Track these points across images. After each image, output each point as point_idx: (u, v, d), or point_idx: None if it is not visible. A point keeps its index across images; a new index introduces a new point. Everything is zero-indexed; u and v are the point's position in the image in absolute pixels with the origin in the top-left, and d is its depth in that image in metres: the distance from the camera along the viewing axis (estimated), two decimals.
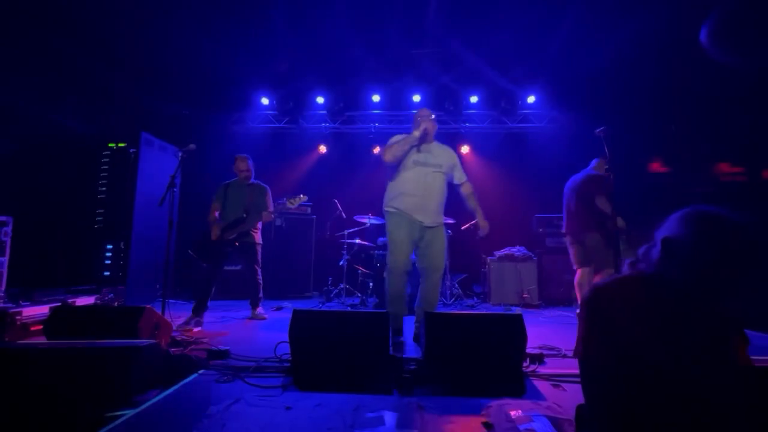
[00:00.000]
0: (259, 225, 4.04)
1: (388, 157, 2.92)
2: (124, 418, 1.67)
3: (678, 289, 0.95)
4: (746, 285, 0.89)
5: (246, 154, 4.13)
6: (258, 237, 4.02)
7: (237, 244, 3.84)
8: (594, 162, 3.97)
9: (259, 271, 4.04)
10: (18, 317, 2.96)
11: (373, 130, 6.84)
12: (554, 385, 2.13)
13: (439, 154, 3.06)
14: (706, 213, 0.97)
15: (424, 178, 2.91)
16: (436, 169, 2.96)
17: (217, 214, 3.93)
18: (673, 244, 0.98)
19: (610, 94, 5.86)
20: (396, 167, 2.98)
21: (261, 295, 4.13)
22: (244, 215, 3.85)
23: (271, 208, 4.04)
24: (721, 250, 0.91)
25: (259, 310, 4.12)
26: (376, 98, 6.51)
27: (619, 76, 5.52)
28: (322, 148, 6.90)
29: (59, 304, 3.28)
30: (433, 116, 3.06)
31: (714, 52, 4.06)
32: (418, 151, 2.95)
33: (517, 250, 5.37)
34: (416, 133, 2.92)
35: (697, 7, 4.14)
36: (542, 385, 2.13)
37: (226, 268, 5.67)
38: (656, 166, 5.96)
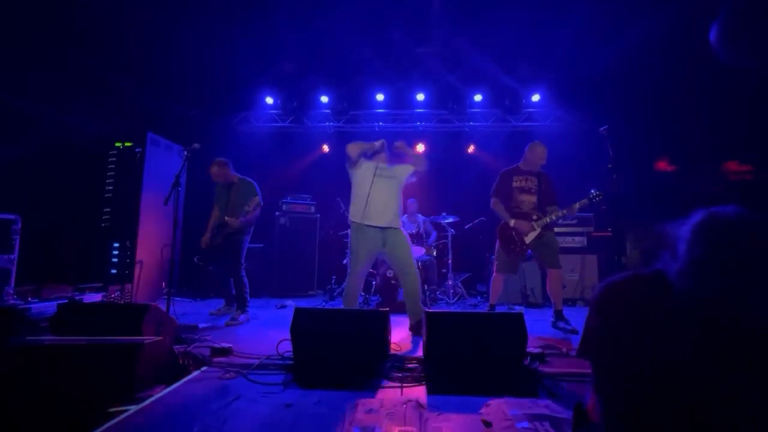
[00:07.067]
0: (244, 221, 3.89)
1: (352, 150, 3.37)
2: (127, 413, 1.70)
3: (677, 289, 0.92)
4: (750, 290, 0.82)
5: (223, 158, 4.08)
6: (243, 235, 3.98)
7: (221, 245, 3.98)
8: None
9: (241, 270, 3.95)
10: (27, 314, 3.02)
11: (377, 129, 6.84)
12: (555, 384, 2.13)
13: (393, 168, 3.49)
14: (712, 213, 0.92)
15: (383, 187, 3.35)
16: (391, 179, 3.43)
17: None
18: (675, 243, 0.96)
19: (616, 92, 5.80)
20: (357, 181, 3.42)
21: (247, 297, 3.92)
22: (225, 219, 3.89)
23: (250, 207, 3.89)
24: (712, 251, 0.88)
25: (242, 316, 3.79)
26: (380, 97, 6.50)
27: (625, 73, 5.45)
28: (326, 147, 6.91)
29: (66, 301, 3.34)
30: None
31: (722, 51, 4.01)
32: (377, 166, 3.37)
33: None
34: (377, 144, 3.41)
35: (704, 4, 4.09)
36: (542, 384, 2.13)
37: None
38: (663, 165, 5.90)
